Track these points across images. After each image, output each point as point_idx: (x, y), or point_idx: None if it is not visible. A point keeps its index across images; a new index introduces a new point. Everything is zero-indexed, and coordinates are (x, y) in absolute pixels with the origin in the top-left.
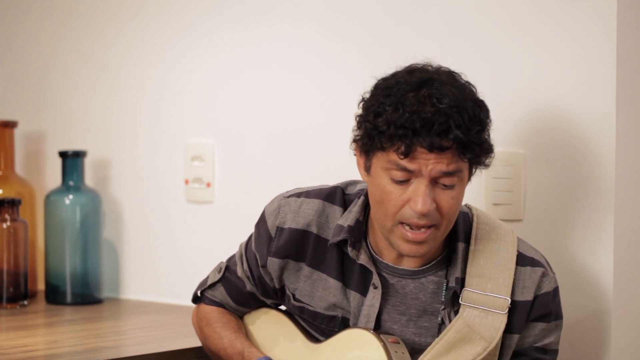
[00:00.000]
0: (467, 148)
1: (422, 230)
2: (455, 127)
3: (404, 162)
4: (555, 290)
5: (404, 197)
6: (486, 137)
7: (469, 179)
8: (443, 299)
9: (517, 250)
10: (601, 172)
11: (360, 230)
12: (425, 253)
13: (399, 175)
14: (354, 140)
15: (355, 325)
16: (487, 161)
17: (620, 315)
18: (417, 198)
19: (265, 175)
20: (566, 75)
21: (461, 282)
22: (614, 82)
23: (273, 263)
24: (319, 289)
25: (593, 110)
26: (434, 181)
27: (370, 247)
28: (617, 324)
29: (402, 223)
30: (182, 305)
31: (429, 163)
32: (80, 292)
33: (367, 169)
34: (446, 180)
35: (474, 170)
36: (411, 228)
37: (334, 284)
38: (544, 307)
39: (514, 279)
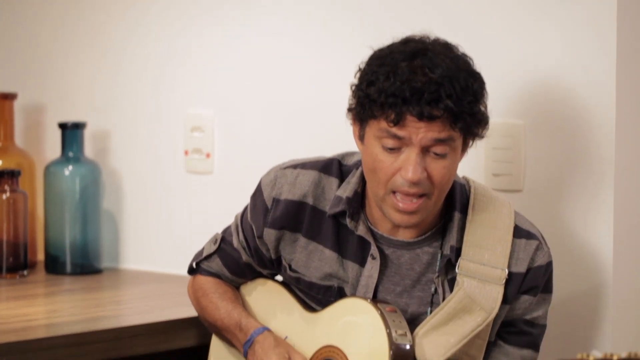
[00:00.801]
0: (458, 118)
1: (414, 200)
2: (446, 96)
3: (394, 130)
4: (549, 264)
5: (395, 165)
6: (480, 108)
7: (464, 150)
8: (437, 267)
9: (514, 223)
10: (601, 143)
11: (358, 202)
12: (417, 223)
13: (389, 142)
14: (349, 109)
15: (352, 295)
16: (481, 132)
17: (620, 288)
18: (407, 166)
19: (264, 146)
20: (566, 46)
21: (457, 252)
22: (614, 52)
23: (269, 234)
24: (315, 260)
25: (593, 80)
26: (425, 150)
27: (367, 218)
28: (616, 297)
29: (394, 192)
30: (181, 275)
31: (420, 131)
32: (80, 262)
33: (361, 137)
34: (437, 149)
35: (470, 142)
36: (403, 197)
37: (329, 254)
38: (536, 280)
39: (510, 251)
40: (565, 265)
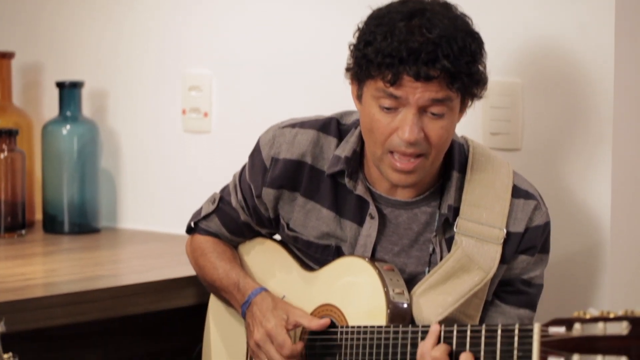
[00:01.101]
0: (455, 78)
1: (411, 160)
2: (443, 56)
3: (391, 90)
4: (547, 224)
5: (393, 125)
6: (478, 68)
7: (463, 110)
8: (435, 227)
9: (512, 183)
10: (599, 101)
11: (357, 161)
12: (414, 182)
13: (386, 102)
14: (347, 69)
15: (350, 254)
16: (479, 93)
17: (617, 246)
18: (404, 126)
19: (262, 105)
20: (565, 4)
21: (455, 211)
22: (613, 10)
23: (268, 193)
24: (312, 219)
25: (591, 39)
26: (422, 110)
27: (365, 178)
28: (614, 255)
29: (391, 152)
30: (179, 235)
31: (417, 92)
32: (78, 221)
33: (359, 97)
34: (435, 109)
35: (468, 102)
36: (400, 157)
37: (327, 214)
38: (534, 239)
39: (509, 210)
40: (563, 224)
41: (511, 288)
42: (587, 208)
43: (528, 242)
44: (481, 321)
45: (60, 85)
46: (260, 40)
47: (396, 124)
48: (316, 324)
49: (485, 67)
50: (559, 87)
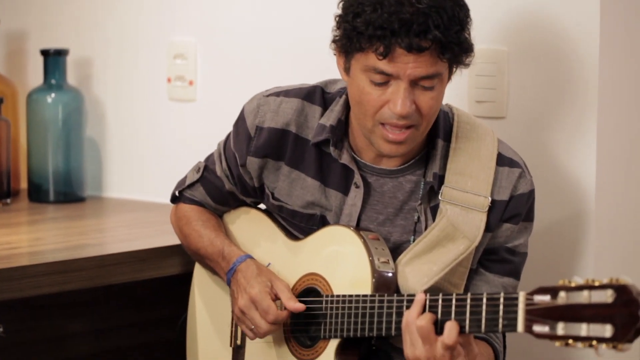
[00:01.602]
0: (446, 48)
1: (402, 130)
2: (434, 27)
3: (382, 65)
4: (531, 192)
5: (383, 98)
6: (466, 36)
7: (449, 78)
8: (420, 195)
9: (497, 151)
10: (585, 70)
11: (342, 130)
12: (405, 152)
13: (377, 78)
14: (333, 41)
15: (336, 223)
16: (467, 60)
17: (602, 215)
18: (396, 100)
19: (247, 73)
20: None
21: (440, 179)
22: None
23: (252, 162)
24: (297, 188)
25: (577, 7)
26: (413, 83)
27: (350, 146)
28: (598, 224)
29: (382, 124)
30: (164, 203)
31: (408, 67)
32: (63, 190)
33: (347, 70)
34: (426, 83)
35: (454, 69)
36: (392, 128)
37: (312, 183)
38: (518, 207)
39: (493, 178)
40: (548, 192)
41: (495, 257)
42: (572, 177)
43: (512, 210)
44: (466, 289)
45: (45, 53)
46: (245, 8)
47: (387, 97)
48: (292, 305)
49: (470, 35)
50: (544, 55)
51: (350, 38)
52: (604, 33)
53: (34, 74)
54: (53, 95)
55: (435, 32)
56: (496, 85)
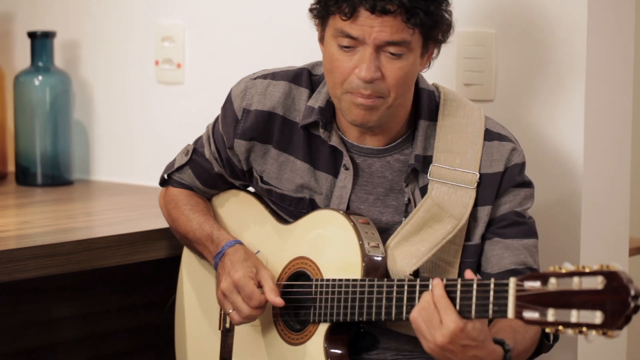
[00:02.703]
0: (411, 14)
1: (371, 99)
2: None
3: (348, 27)
4: (524, 164)
5: (350, 65)
6: (438, 9)
7: (427, 57)
8: (405, 176)
9: (485, 127)
10: (572, 52)
11: (330, 112)
12: (374, 123)
13: (345, 41)
14: (310, 9)
15: (325, 207)
16: (441, 37)
17: (590, 196)
18: (361, 65)
19: (235, 56)
20: None
21: (424, 160)
22: None
23: (240, 145)
24: (287, 171)
25: None
26: (379, 49)
27: (338, 127)
28: (587, 204)
29: (350, 93)
30: (152, 187)
31: (373, 31)
32: (51, 173)
33: (321, 39)
34: (392, 49)
35: (432, 48)
36: (359, 97)
37: (301, 165)
38: (515, 176)
39: (482, 154)
40: (536, 174)
41: (507, 222)
42: (560, 159)
43: (510, 179)
44: (461, 265)
45: (32, 35)
46: None
47: (354, 63)
48: (272, 298)
49: (447, 12)
50: (532, 38)
51: (321, 2)
52: (591, 15)
53: (21, 56)
54: (40, 77)
55: None
56: (484, 67)
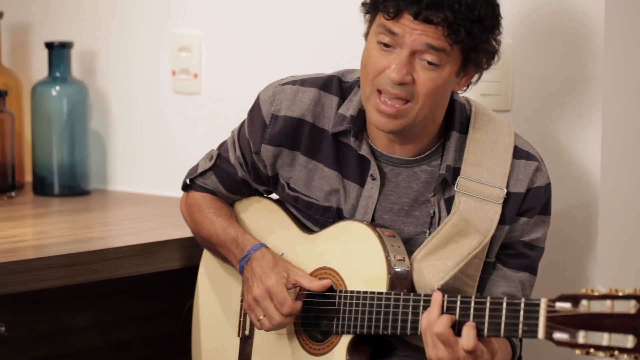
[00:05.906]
0: (453, 30)
1: (396, 105)
2: (448, 6)
3: (390, 24)
4: (548, 186)
5: (384, 63)
6: (485, 34)
7: (465, 78)
8: (434, 187)
9: (514, 144)
10: (589, 62)
11: (362, 120)
12: (397, 129)
13: (385, 38)
14: (362, 3)
15: (351, 218)
16: (483, 62)
17: (607, 205)
18: (393, 65)
19: (252, 66)
20: None
21: (454, 171)
22: None
23: (267, 150)
24: (315, 178)
25: (582, 0)
26: (415, 55)
27: (368, 137)
28: (604, 214)
29: (379, 92)
30: (169, 197)
31: (414, 32)
32: (68, 183)
33: (366, 36)
34: (428, 56)
35: (472, 70)
36: (386, 99)
37: (330, 173)
38: (535, 201)
39: (509, 171)
40: (554, 184)
41: (512, 251)
42: (578, 169)
43: (529, 203)
44: (481, 281)
45: (50, 45)
46: (250, 0)
47: (388, 63)
48: (317, 285)
49: (496, 41)
50: (549, 48)
51: None
52: (609, 25)
53: (39, 67)
54: (57, 88)
55: (447, 12)
56: (501, 78)
